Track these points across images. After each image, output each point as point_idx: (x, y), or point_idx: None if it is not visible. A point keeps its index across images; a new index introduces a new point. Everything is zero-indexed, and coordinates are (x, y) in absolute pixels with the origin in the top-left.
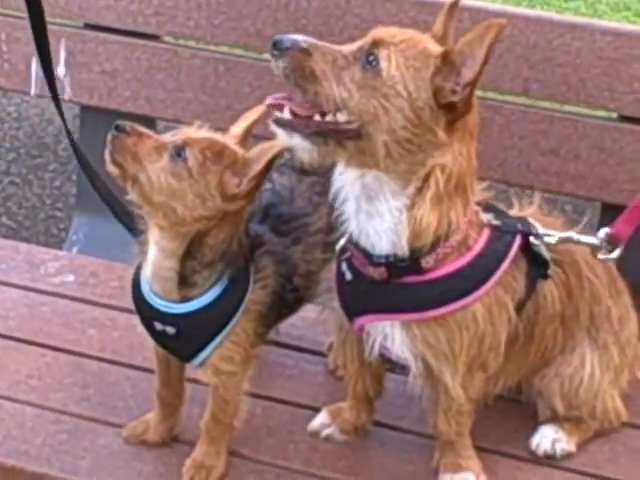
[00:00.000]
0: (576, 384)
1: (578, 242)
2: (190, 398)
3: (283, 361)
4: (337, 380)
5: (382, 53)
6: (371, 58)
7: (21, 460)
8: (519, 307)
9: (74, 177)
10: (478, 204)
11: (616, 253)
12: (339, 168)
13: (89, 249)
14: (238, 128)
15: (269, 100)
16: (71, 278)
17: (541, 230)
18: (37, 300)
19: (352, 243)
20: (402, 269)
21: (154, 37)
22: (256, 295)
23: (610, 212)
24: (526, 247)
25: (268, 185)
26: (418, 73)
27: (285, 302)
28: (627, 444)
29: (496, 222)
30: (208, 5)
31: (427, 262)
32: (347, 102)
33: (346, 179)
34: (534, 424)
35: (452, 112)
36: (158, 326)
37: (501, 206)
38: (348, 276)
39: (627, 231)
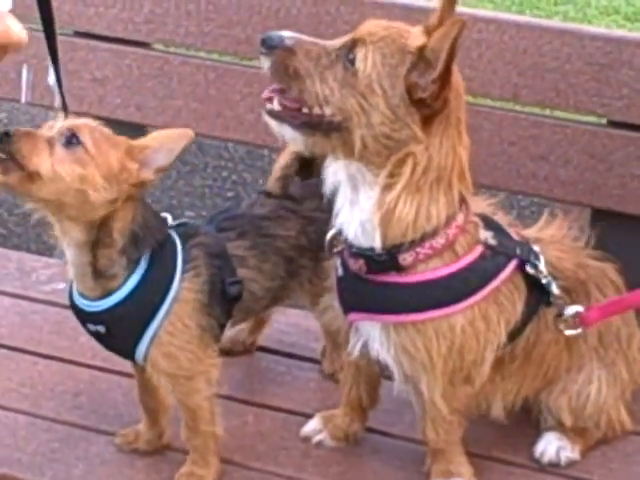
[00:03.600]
0: (583, 399)
1: (548, 305)
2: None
3: (274, 368)
4: (336, 384)
5: (359, 53)
6: (351, 57)
7: (14, 468)
8: (517, 329)
9: None
10: (480, 218)
11: (577, 331)
12: (328, 160)
13: None
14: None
15: (264, 93)
16: (62, 286)
17: (539, 262)
18: (28, 308)
19: (340, 234)
20: (380, 264)
21: (144, 45)
22: (190, 283)
23: (599, 217)
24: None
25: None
26: (394, 70)
27: (227, 296)
28: (619, 449)
29: (493, 241)
30: (198, 12)
31: (404, 259)
32: (329, 99)
33: (336, 169)
34: (526, 429)
35: (426, 108)
36: (91, 327)
37: (506, 224)
38: (340, 271)
39: (596, 319)
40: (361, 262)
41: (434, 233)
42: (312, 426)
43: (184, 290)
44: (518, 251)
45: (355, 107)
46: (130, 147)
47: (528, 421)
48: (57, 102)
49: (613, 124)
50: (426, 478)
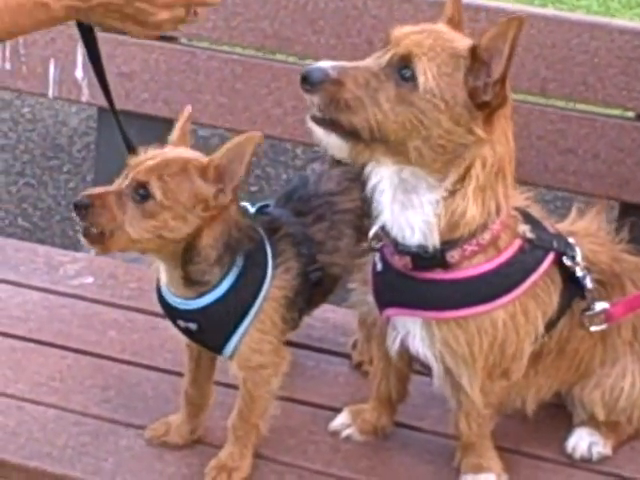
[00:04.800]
0: (617, 394)
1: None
2: (217, 402)
3: (304, 362)
4: (362, 375)
5: (418, 66)
6: (406, 73)
7: (44, 462)
8: (551, 322)
9: (89, 178)
10: (518, 211)
11: (602, 327)
12: (374, 163)
13: None
14: (174, 134)
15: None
16: (90, 280)
17: (576, 254)
18: (57, 302)
19: (384, 231)
20: (427, 261)
21: (171, 39)
22: (280, 280)
23: (628, 211)
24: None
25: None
26: (452, 78)
27: (310, 282)
28: None
29: (531, 235)
30: (225, 7)
31: (452, 256)
32: (382, 125)
33: (383, 172)
34: (555, 424)
35: (488, 108)
36: (181, 324)
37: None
38: (379, 267)
39: (621, 314)
40: (407, 259)
41: (483, 228)
42: (340, 420)
43: (274, 288)
44: (555, 244)
45: (413, 122)
46: (203, 169)
47: (557, 416)
48: (84, 97)
49: None
50: (456, 473)
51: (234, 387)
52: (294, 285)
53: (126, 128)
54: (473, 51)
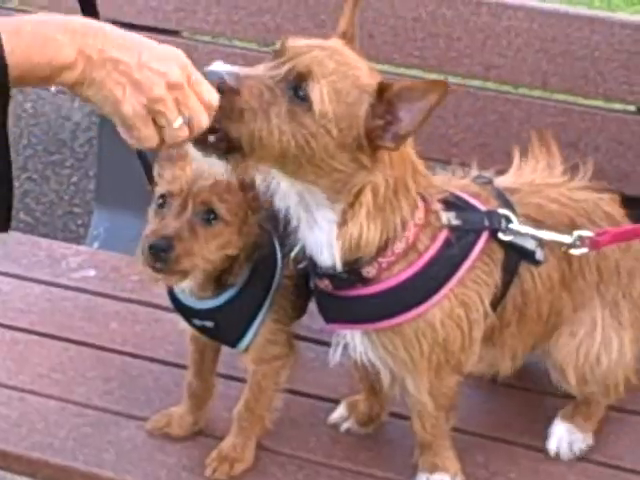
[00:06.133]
0: (591, 358)
1: (551, 241)
2: (218, 393)
3: (304, 354)
4: None
5: (315, 88)
6: (301, 92)
7: (46, 453)
8: (501, 296)
9: (91, 173)
10: (442, 200)
11: (583, 251)
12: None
13: (110, 244)
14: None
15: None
16: (92, 273)
17: (512, 225)
18: (59, 295)
19: (303, 252)
20: (344, 281)
21: (174, 33)
22: (288, 270)
23: (629, 204)
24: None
25: None
26: (351, 109)
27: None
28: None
29: (457, 222)
30: (227, 1)
31: (368, 272)
32: (264, 140)
33: (283, 188)
34: (553, 416)
35: (381, 147)
36: (197, 322)
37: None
38: (311, 284)
39: (607, 243)
40: (326, 281)
41: (394, 240)
42: (339, 413)
43: (284, 278)
44: (486, 222)
45: (299, 143)
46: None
47: (553, 408)
48: None
49: None
50: (413, 470)
51: (236, 379)
52: (300, 271)
53: None
54: (380, 90)
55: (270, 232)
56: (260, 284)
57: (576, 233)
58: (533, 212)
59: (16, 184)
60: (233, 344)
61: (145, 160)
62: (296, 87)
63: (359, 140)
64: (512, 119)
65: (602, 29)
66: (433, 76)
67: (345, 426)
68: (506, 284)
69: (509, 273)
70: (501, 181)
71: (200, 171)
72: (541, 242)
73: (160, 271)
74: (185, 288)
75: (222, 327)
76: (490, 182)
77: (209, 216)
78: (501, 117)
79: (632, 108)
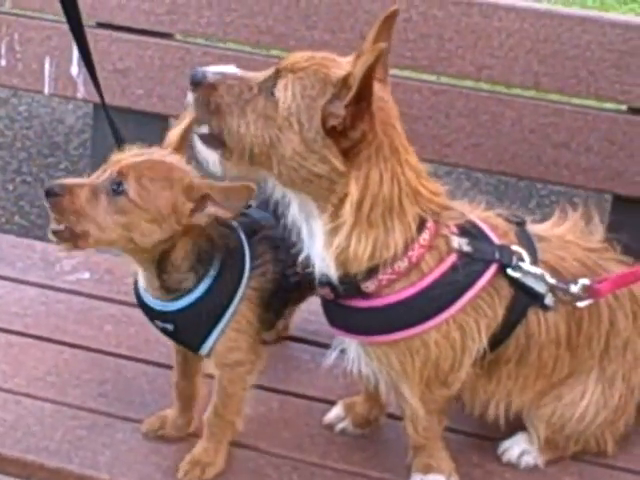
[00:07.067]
0: (566, 418)
1: (558, 288)
2: (210, 393)
3: (299, 355)
4: None
5: (280, 83)
6: (273, 89)
7: (41, 456)
8: (504, 332)
9: (85, 176)
10: (459, 226)
11: (588, 302)
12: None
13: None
14: (174, 134)
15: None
16: (87, 275)
17: (523, 263)
18: (53, 298)
19: (308, 260)
20: (344, 291)
21: (166, 35)
22: (256, 282)
23: (621, 204)
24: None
25: None
26: (313, 102)
27: (287, 287)
28: None
29: (467, 248)
30: (219, 3)
31: (367, 287)
32: (243, 136)
33: (283, 196)
34: None
35: (343, 140)
36: (159, 324)
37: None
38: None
39: (608, 291)
40: (327, 290)
41: (394, 259)
42: (334, 413)
43: (250, 289)
44: (497, 255)
45: (271, 139)
46: (189, 187)
47: None
48: (80, 93)
49: (634, 111)
50: (409, 471)
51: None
52: (270, 287)
53: (121, 124)
54: (344, 79)
55: (240, 242)
56: (222, 294)
57: (580, 281)
58: (553, 261)
59: (10, 187)
60: (195, 349)
61: (112, 123)
62: (272, 85)
63: (321, 135)
64: (504, 119)
65: (593, 29)
66: (425, 77)
67: (340, 426)
68: (511, 325)
69: (515, 314)
70: (534, 227)
71: (146, 152)
72: (553, 288)
73: (53, 230)
74: (141, 285)
75: (182, 331)
76: (523, 223)
77: (117, 187)
78: (493, 117)
79: (624, 108)
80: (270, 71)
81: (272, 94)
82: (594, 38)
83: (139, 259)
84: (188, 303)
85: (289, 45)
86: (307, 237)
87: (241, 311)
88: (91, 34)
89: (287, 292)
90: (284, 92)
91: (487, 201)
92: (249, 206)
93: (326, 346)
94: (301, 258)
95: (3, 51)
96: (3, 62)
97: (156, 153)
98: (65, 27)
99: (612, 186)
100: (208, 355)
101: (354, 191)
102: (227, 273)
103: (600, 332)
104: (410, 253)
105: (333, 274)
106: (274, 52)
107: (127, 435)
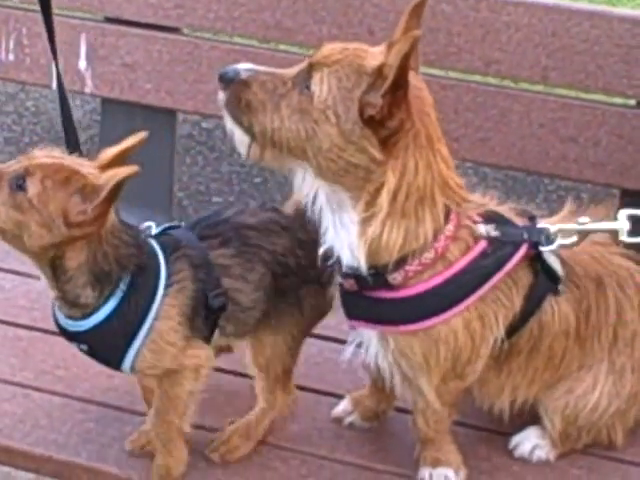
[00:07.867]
0: (580, 408)
1: (599, 230)
2: (216, 389)
3: (306, 349)
4: None
5: (315, 77)
6: (308, 82)
7: (49, 449)
8: (519, 322)
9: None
10: (482, 215)
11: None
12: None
13: None
14: (109, 152)
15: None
16: None
17: (554, 237)
18: None
19: (330, 250)
20: (370, 283)
21: (174, 30)
22: (173, 299)
23: (630, 199)
24: (536, 259)
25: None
26: (349, 93)
27: (210, 307)
28: None
29: (495, 233)
30: None
31: (394, 279)
32: (277, 131)
33: (315, 189)
34: None
35: (381, 129)
36: (74, 344)
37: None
38: (338, 279)
39: None
40: (351, 281)
41: (422, 250)
42: (342, 407)
43: (167, 307)
44: (525, 235)
45: (307, 133)
46: (83, 188)
47: None
48: (87, 88)
49: None
50: (417, 464)
51: (240, 375)
52: (189, 305)
53: (129, 119)
54: (379, 69)
55: (157, 260)
56: (133, 313)
57: (624, 212)
58: (563, 254)
59: None
60: (115, 367)
61: (71, 123)
62: (305, 79)
63: (359, 125)
64: (512, 114)
65: (601, 23)
66: (433, 71)
67: (348, 420)
68: (527, 314)
69: (532, 304)
70: (544, 221)
71: (59, 157)
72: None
73: None
74: (55, 303)
75: (97, 351)
76: (533, 218)
77: (18, 182)
78: (501, 112)
79: (632, 102)
80: (303, 65)
81: (307, 88)
82: (602, 33)
83: (33, 261)
84: (96, 322)
85: (297, 40)
86: (334, 228)
87: (158, 330)
88: (99, 29)
89: (213, 313)
90: (320, 85)
91: (495, 196)
92: (178, 226)
93: (334, 339)
94: (321, 251)
95: (11, 46)
96: (11, 57)
97: (68, 158)
98: (73, 22)
99: (620, 180)
100: (132, 371)
101: (391, 180)
102: (137, 293)
103: (608, 324)
104: (436, 244)
105: (363, 264)
106: (282, 47)
107: (135, 428)
